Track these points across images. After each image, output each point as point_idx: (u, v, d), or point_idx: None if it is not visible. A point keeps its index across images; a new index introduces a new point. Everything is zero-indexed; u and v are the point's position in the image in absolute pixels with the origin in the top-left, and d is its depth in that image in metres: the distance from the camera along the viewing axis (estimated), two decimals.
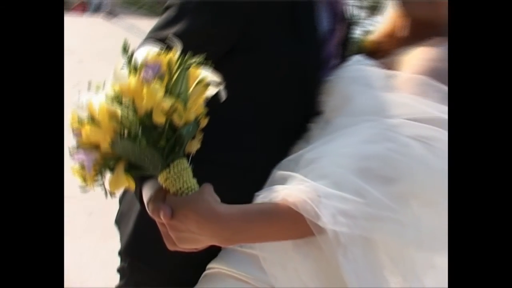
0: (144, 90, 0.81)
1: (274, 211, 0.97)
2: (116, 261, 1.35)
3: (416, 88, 1.06)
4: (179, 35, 1.08)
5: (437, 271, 1.18)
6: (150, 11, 14.67)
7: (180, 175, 0.92)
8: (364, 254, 1.00)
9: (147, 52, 0.88)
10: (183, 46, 0.93)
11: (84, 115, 0.85)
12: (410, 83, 1.08)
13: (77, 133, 0.86)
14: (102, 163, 0.87)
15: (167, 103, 0.82)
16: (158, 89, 0.82)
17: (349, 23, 1.40)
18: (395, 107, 1.05)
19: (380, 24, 1.46)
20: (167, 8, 1.22)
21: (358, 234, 0.95)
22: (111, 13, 12.18)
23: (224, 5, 1.15)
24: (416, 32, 1.26)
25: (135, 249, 1.26)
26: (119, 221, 1.35)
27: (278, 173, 1.10)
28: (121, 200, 1.38)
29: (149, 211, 1.01)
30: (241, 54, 1.18)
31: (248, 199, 1.05)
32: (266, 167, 1.16)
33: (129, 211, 1.30)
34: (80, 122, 0.85)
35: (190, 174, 0.95)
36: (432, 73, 1.08)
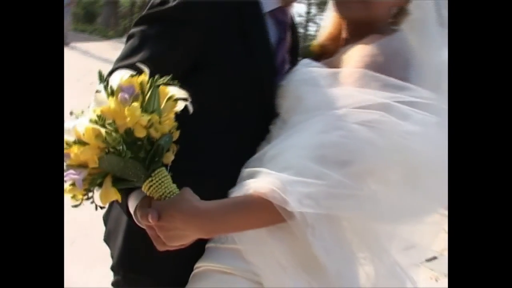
0: (124, 110, 0.93)
1: (247, 202, 1.10)
2: (107, 284, 1.43)
3: (357, 80, 1.20)
4: (145, 61, 1.18)
5: (419, 249, 1.33)
6: (102, 35, 14.65)
7: (162, 182, 1.04)
8: (330, 231, 1.14)
9: (120, 77, 0.99)
10: (149, 70, 1.05)
11: (71, 138, 0.95)
12: (352, 77, 1.21)
13: (66, 155, 0.96)
14: (91, 179, 0.98)
15: (145, 119, 0.94)
16: (136, 107, 0.93)
17: (295, 29, 1.54)
18: (341, 100, 1.18)
19: (322, 28, 1.58)
20: (130, 37, 1.33)
21: (323, 213, 1.08)
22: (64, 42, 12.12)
23: (180, 30, 1.28)
24: (354, 32, 1.39)
25: (126, 261, 1.36)
26: (108, 239, 1.44)
27: (246, 170, 1.21)
28: (105, 220, 1.47)
29: (137, 218, 1.11)
30: (201, 72, 1.30)
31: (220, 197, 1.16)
32: (236, 169, 1.28)
33: (116, 227, 1.39)
34: (68, 144, 0.95)
35: (170, 180, 1.07)
36: (370, 66, 1.22)
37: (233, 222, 1.11)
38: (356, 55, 1.27)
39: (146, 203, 1.08)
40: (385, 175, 1.15)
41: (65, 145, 0.95)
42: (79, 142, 0.93)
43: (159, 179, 1.04)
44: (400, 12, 1.40)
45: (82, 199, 0.99)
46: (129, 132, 0.94)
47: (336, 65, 1.32)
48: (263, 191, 1.08)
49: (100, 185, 1.00)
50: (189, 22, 1.27)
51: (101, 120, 0.93)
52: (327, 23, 1.56)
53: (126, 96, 0.94)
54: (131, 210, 1.15)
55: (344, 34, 1.44)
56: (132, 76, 1.01)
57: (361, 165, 1.11)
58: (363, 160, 1.11)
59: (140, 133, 0.95)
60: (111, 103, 0.94)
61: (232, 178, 1.25)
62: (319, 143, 1.12)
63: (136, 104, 0.94)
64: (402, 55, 1.27)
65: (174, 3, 1.27)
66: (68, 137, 0.95)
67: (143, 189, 1.05)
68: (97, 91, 0.98)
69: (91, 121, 0.93)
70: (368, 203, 1.12)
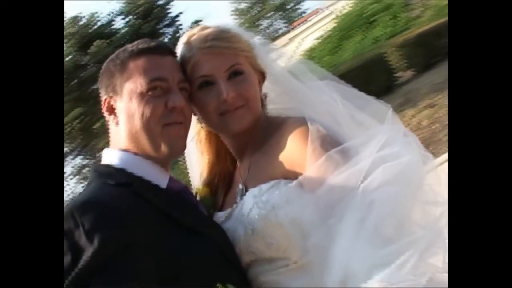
0: None
1: None
2: None
3: (332, 164, 1.21)
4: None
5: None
6: None
7: None
8: None
9: None
10: None
11: None
12: (326, 167, 1.21)
13: None
14: None
15: None
16: None
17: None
18: (343, 189, 1.19)
19: (201, 160, 1.55)
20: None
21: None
22: None
23: (126, 259, 1.21)
24: (243, 141, 1.40)
25: None
26: None
27: None
28: None
29: None
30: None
31: None
32: None
33: None
34: None
35: None
36: (326, 147, 1.23)
37: None
38: (303, 152, 1.26)
39: None
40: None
41: None
42: None
43: None
44: (264, 97, 1.44)
45: None
46: None
47: (284, 174, 1.29)
48: None
49: None
50: (128, 247, 1.20)
51: None
52: (198, 160, 1.55)
53: None
54: None
55: (232, 152, 1.43)
56: None
57: (405, 218, 1.16)
58: (405, 211, 1.16)
59: None
60: None
61: None
62: (369, 233, 1.13)
63: None
64: (322, 121, 1.30)
65: (95, 245, 1.17)
66: None
67: None
68: None
69: None
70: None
